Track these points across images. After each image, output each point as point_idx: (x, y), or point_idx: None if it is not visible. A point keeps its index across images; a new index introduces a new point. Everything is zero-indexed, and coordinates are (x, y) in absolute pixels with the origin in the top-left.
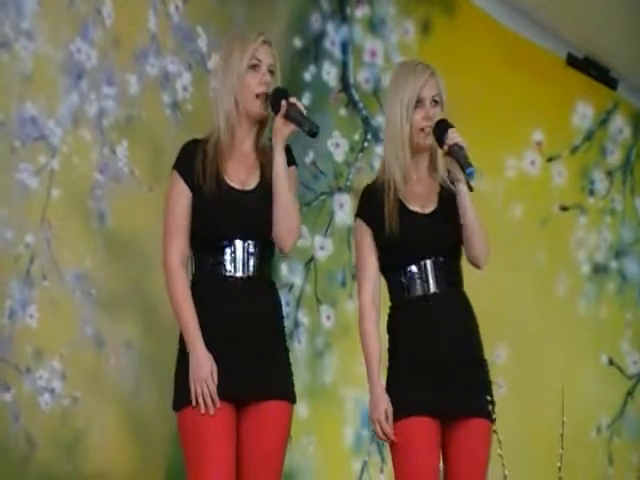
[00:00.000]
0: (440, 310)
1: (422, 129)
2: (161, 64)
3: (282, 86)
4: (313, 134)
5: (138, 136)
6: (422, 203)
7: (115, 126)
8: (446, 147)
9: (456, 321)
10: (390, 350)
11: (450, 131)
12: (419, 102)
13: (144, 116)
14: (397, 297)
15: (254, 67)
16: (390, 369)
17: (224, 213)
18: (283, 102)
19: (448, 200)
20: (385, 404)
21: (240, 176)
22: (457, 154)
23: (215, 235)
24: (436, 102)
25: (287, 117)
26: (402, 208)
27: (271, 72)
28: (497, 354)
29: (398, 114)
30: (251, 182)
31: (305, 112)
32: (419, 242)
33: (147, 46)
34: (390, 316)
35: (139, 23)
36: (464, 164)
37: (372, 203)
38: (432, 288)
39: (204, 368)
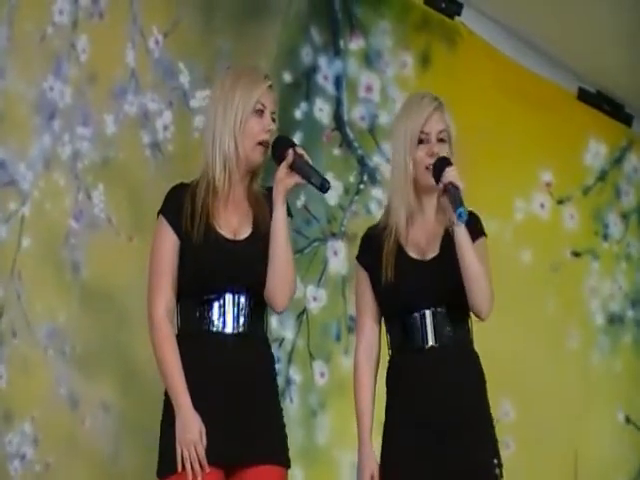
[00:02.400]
0: (437, 365)
1: (427, 167)
2: (140, 102)
3: (284, 135)
4: (325, 189)
5: (115, 179)
6: (424, 249)
7: (90, 169)
8: (441, 185)
9: (455, 378)
10: (386, 405)
11: (447, 169)
12: (423, 138)
13: (122, 158)
14: (394, 348)
15: (258, 112)
16: (385, 427)
17: (214, 263)
18: (290, 152)
19: (453, 245)
20: (372, 467)
21: (232, 224)
22: (450, 193)
23: (203, 287)
24: (442, 138)
25: (294, 168)
26: (400, 254)
27: (273, 120)
28: (504, 411)
29: (401, 151)
30: (243, 231)
31: (312, 164)
32: (416, 291)
33: (125, 83)
34: (388, 368)
35: (116, 58)
36: (454, 203)
37: (371, 247)
38: (430, 341)
39: (192, 430)
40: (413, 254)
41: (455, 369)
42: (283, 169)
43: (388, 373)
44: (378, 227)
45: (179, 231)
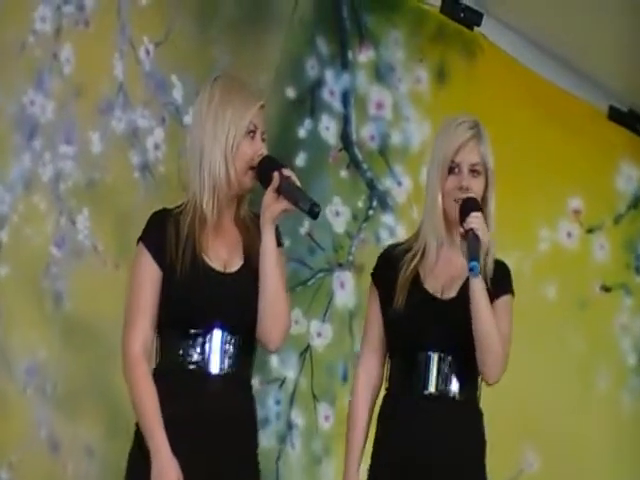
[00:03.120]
0: (434, 418)
1: (455, 200)
2: (129, 118)
3: (271, 154)
4: (314, 214)
5: (102, 203)
6: (443, 285)
7: (74, 192)
8: (462, 230)
9: (454, 441)
10: (373, 448)
11: (472, 215)
12: (454, 168)
13: (109, 180)
14: (391, 385)
15: (250, 134)
16: (370, 467)
17: (202, 298)
18: (275, 174)
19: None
20: None
21: (221, 255)
22: (469, 242)
23: (189, 321)
24: (476, 172)
25: (281, 192)
26: (417, 284)
27: (263, 140)
28: (528, 462)
29: (433, 178)
30: (234, 263)
31: (301, 187)
32: (425, 329)
33: (113, 97)
34: (381, 405)
35: (103, 70)
36: (470, 254)
37: (389, 267)
38: (431, 388)
39: (170, 477)
40: (430, 288)
41: (454, 428)
42: (270, 194)
43: (381, 411)
44: (401, 247)
45: (161, 262)
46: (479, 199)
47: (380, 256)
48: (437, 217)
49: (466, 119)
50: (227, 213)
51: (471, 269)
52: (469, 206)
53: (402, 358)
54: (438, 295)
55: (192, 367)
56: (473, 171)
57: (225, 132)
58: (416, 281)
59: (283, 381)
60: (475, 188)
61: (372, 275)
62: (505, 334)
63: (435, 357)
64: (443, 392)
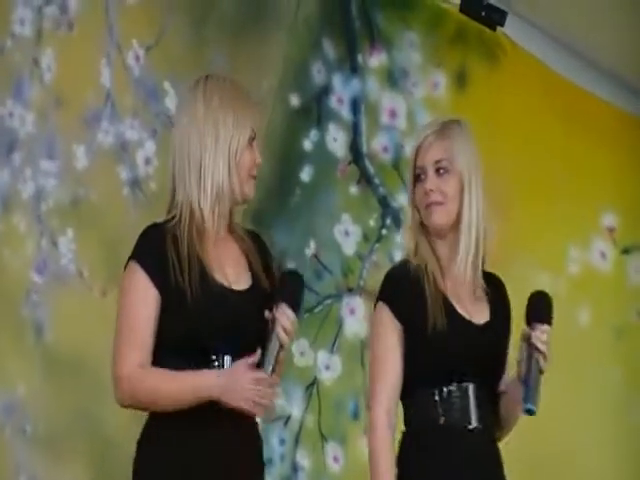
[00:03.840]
0: (482, 454)
1: (426, 207)
2: (117, 130)
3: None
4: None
5: (87, 224)
6: (469, 308)
7: (57, 211)
8: (525, 344)
9: (490, 467)
10: None
11: (540, 329)
12: (419, 175)
13: (95, 198)
14: (421, 420)
15: (250, 141)
16: None
17: (218, 318)
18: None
19: (499, 310)
20: None
21: (226, 270)
22: (529, 370)
23: (199, 346)
24: (442, 169)
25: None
26: (448, 306)
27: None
28: None
29: (408, 193)
30: (241, 279)
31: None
32: (468, 358)
33: (99, 107)
34: (404, 443)
35: (88, 77)
36: (527, 395)
37: (405, 289)
38: (474, 421)
39: (239, 377)
40: (463, 312)
41: (494, 463)
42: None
43: (406, 449)
44: (408, 266)
45: (161, 285)
46: (450, 201)
47: (390, 279)
48: (419, 235)
49: (437, 119)
50: (223, 225)
51: (527, 410)
52: (537, 310)
53: (436, 389)
54: (470, 318)
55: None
56: (438, 170)
57: (228, 139)
58: (447, 305)
59: (288, 418)
60: (444, 188)
61: (384, 300)
62: None
63: (472, 388)
64: (484, 425)
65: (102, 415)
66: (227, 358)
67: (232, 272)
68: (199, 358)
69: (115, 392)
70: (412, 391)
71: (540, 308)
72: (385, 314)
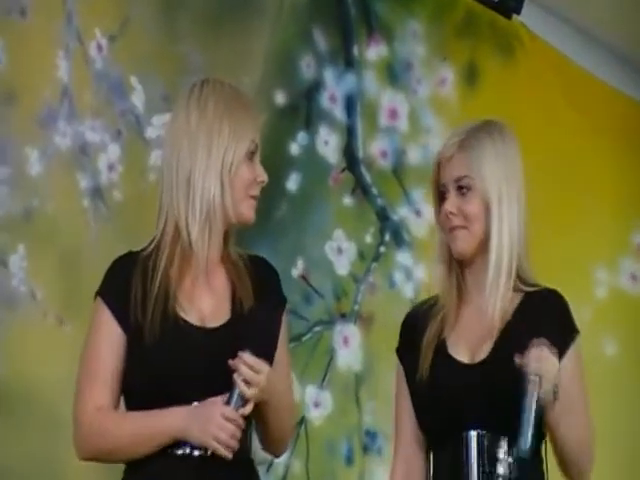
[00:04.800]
0: None
1: (450, 230)
2: (76, 131)
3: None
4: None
5: (42, 239)
6: (475, 345)
7: (7, 224)
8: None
9: None
10: None
11: (534, 349)
12: (443, 193)
13: (50, 209)
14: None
15: (249, 154)
16: None
17: (176, 362)
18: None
19: (514, 341)
20: None
21: (204, 305)
22: (524, 403)
23: (163, 394)
24: (464, 187)
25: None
26: (440, 349)
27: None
28: None
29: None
30: (220, 315)
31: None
32: (456, 404)
33: (55, 105)
34: None
35: (43, 70)
36: (521, 430)
37: (411, 334)
38: (473, 476)
39: (207, 414)
40: (456, 354)
41: None
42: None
43: None
44: (427, 304)
45: (124, 323)
46: (474, 223)
47: (403, 323)
48: (444, 255)
49: (462, 127)
50: (215, 250)
51: (519, 452)
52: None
53: (438, 446)
54: (466, 360)
55: (173, 451)
56: (460, 188)
57: (222, 151)
58: (440, 346)
59: (271, 464)
60: (467, 209)
61: (397, 350)
62: (583, 403)
63: (473, 437)
64: (490, 477)
65: (59, 458)
66: (196, 405)
67: (210, 306)
68: (166, 406)
69: (74, 440)
70: (431, 449)
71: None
72: (398, 367)
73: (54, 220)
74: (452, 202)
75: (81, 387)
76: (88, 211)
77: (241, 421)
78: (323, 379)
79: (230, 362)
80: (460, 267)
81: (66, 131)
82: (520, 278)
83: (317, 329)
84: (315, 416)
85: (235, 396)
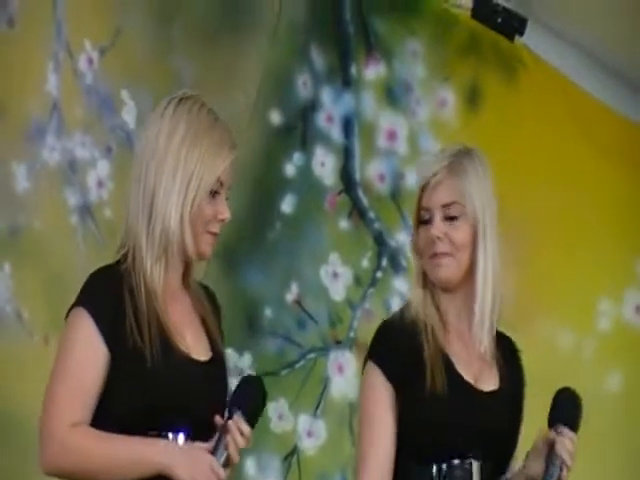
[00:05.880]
0: None
1: (430, 257)
2: (65, 147)
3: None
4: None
5: (28, 258)
6: (475, 372)
7: None
8: (545, 447)
9: None
10: None
11: (570, 434)
12: (425, 216)
13: (38, 227)
14: None
15: (213, 192)
16: None
17: (179, 393)
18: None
19: (512, 378)
20: None
21: (185, 336)
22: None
23: (152, 422)
24: (454, 214)
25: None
26: (451, 369)
27: (227, 199)
28: None
29: (412, 234)
30: (200, 349)
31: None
32: (472, 429)
33: (44, 120)
34: None
35: (32, 84)
36: None
37: (400, 346)
38: None
39: (193, 456)
40: (465, 374)
41: None
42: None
43: None
44: (404, 321)
45: (112, 340)
46: (460, 251)
47: (381, 331)
48: (418, 284)
49: (449, 148)
50: (175, 277)
51: None
52: (566, 411)
53: (432, 465)
54: (475, 384)
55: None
56: (449, 218)
57: (185, 184)
58: (448, 364)
59: None
60: (454, 237)
61: (374, 359)
62: None
63: (476, 466)
64: None
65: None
66: (181, 436)
67: (191, 338)
68: (149, 434)
69: (41, 454)
70: (405, 467)
71: (569, 409)
72: (375, 376)
73: (41, 238)
74: (439, 227)
75: (56, 401)
76: (77, 229)
77: (223, 475)
78: (316, 408)
79: (218, 419)
80: (435, 292)
81: (55, 146)
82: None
83: (311, 356)
84: (308, 446)
85: (223, 456)
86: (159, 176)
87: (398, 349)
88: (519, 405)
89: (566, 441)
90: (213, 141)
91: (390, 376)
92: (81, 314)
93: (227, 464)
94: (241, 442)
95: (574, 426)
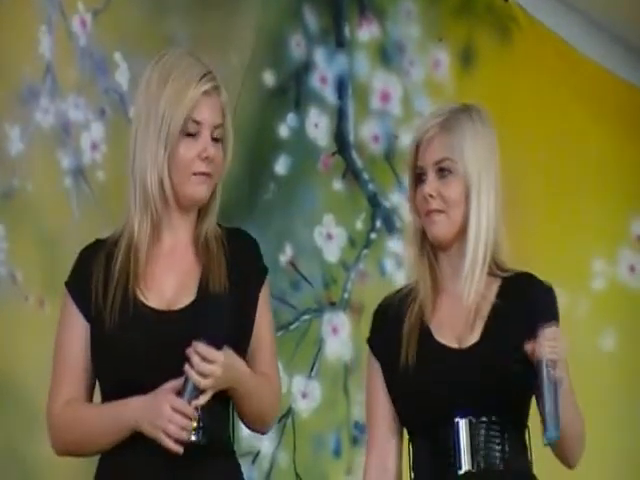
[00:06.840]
0: None
1: (426, 214)
2: (58, 109)
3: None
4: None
5: (22, 220)
6: (460, 331)
7: None
8: (536, 361)
9: None
10: None
11: (546, 332)
12: (421, 175)
13: (31, 189)
14: (415, 470)
15: (194, 135)
16: None
17: (135, 352)
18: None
19: (503, 324)
20: None
21: (167, 288)
22: (541, 393)
23: (129, 385)
24: (445, 170)
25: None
26: (425, 337)
27: (217, 139)
28: None
29: (409, 194)
30: (184, 296)
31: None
32: (445, 392)
33: (37, 82)
34: None
35: (25, 46)
36: (544, 426)
37: (387, 323)
38: (464, 465)
39: (155, 407)
40: (442, 339)
41: None
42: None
43: None
44: (400, 293)
45: (87, 312)
46: (453, 208)
47: (375, 313)
48: (417, 241)
49: (447, 105)
50: (181, 233)
51: (547, 439)
52: (535, 312)
53: (422, 434)
54: (457, 344)
55: (144, 442)
56: (441, 170)
57: (157, 130)
58: (424, 333)
59: (256, 456)
60: (446, 193)
61: (368, 342)
62: (571, 392)
63: (463, 424)
64: (484, 467)
65: (39, 447)
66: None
67: (173, 288)
68: (133, 394)
69: (49, 437)
70: (412, 438)
71: (540, 305)
72: (369, 359)
73: (35, 200)
74: (431, 185)
75: (52, 385)
76: (70, 191)
77: (192, 412)
78: (311, 369)
79: (187, 351)
80: (434, 252)
81: (48, 108)
82: (496, 264)
83: (305, 317)
84: (303, 407)
85: (188, 387)
86: (137, 131)
87: (381, 329)
88: (512, 347)
89: (540, 341)
90: (180, 76)
91: (377, 354)
92: (65, 294)
93: (197, 394)
94: (203, 366)
95: (549, 316)
